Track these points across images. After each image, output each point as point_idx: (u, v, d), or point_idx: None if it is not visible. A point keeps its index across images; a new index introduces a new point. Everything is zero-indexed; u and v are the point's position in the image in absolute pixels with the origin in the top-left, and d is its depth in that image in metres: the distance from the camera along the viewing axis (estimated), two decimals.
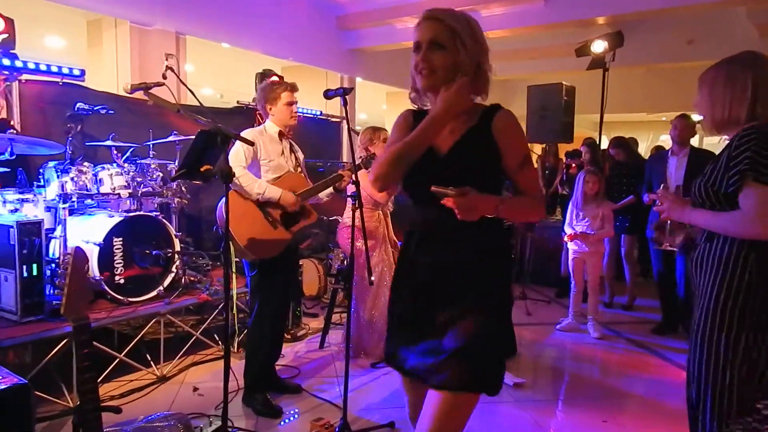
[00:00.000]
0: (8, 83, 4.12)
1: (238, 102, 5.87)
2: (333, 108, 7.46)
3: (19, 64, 3.95)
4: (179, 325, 3.44)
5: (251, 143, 2.56)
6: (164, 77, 4.20)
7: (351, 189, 3.42)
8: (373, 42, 7.67)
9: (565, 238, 4.39)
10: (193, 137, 3.96)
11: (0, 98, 4.10)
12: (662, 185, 2.02)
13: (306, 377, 3.33)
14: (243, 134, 2.71)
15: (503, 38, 7.49)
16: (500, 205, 1.42)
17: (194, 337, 3.45)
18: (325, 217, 4.89)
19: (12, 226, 2.81)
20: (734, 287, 1.54)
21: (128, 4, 5.15)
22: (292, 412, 2.87)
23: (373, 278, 3.34)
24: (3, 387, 1.60)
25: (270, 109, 2.89)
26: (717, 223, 1.61)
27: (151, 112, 4.64)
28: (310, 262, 4.89)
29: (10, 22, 3.92)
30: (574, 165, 5.93)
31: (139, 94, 2.91)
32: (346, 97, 2.76)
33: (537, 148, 7.08)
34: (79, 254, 1.68)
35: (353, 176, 2.77)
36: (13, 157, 3.06)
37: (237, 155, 2.71)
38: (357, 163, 3.19)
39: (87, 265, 1.65)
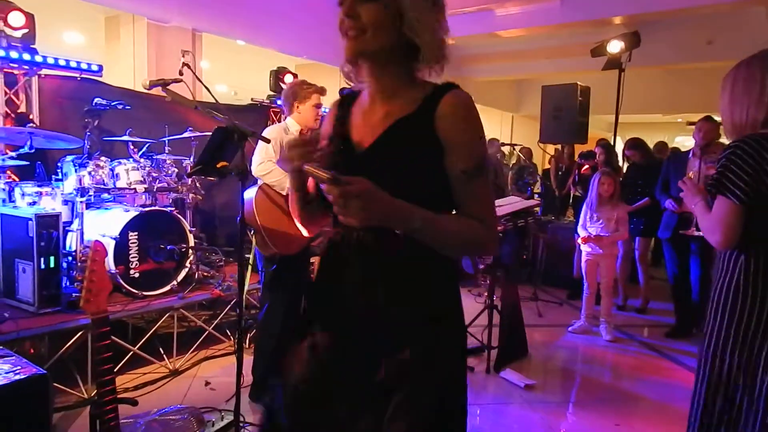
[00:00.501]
0: (27, 78, 4.18)
1: (252, 99, 5.91)
2: None
3: (38, 59, 4.00)
4: (192, 320, 3.47)
5: (267, 141, 2.55)
6: (181, 74, 4.24)
7: None
8: None
9: (579, 241, 4.36)
10: (210, 133, 4.00)
11: (20, 92, 4.17)
12: (691, 172, 2.03)
13: None
14: (267, 131, 2.77)
15: (518, 38, 7.45)
16: (416, 217, 0.98)
17: (207, 332, 3.48)
18: None
19: (31, 219, 2.86)
20: (725, 288, 1.58)
21: (145, 1, 5.20)
22: None
23: None
24: (22, 377, 1.63)
25: (297, 107, 2.90)
26: (701, 221, 1.69)
27: (167, 108, 4.68)
28: None
29: (30, 18, 3.98)
30: (587, 166, 5.88)
31: (156, 90, 2.94)
32: None
33: (550, 149, 7.04)
34: (99, 248, 1.70)
35: None
36: (32, 150, 3.10)
37: (267, 150, 2.72)
38: None
39: (105, 259, 1.67)
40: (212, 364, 3.41)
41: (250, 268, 2.85)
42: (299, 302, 3.86)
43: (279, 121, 5.86)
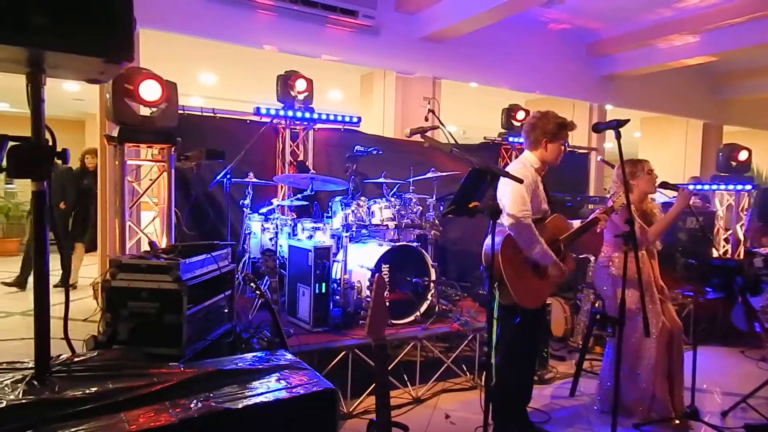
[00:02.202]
0: (305, 132, 5.09)
1: (484, 138, 6.08)
2: (579, 139, 7.11)
3: (315, 116, 4.84)
4: (431, 351, 3.64)
5: (520, 180, 2.49)
6: (426, 119, 4.60)
7: (609, 227, 3.18)
8: (629, 66, 7.09)
9: None
10: (451, 173, 4.21)
11: (299, 144, 5.09)
12: None
13: (557, 425, 3.14)
14: (512, 170, 2.71)
15: None
16: None
17: (445, 365, 3.60)
18: (572, 255, 4.62)
19: (310, 250, 3.41)
20: None
21: (397, 58, 5.88)
22: None
23: (651, 330, 3.01)
24: (318, 389, 1.91)
25: (545, 143, 2.77)
26: None
27: (411, 150, 5.15)
28: (556, 301, 4.67)
29: (309, 83, 4.86)
30: None
31: (400, 135, 3.25)
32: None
33: None
34: (380, 282, 1.92)
35: (627, 214, 2.58)
36: (313, 193, 3.73)
37: (522, 199, 2.62)
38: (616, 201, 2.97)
39: (386, 291, 1.87)
40: (451, 397, 3.49)
41: (496, 321, 2.81)
42: (541, 345, 3.74)
43: (510, 159, 5.90)
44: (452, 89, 7.11)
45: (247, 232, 4.08)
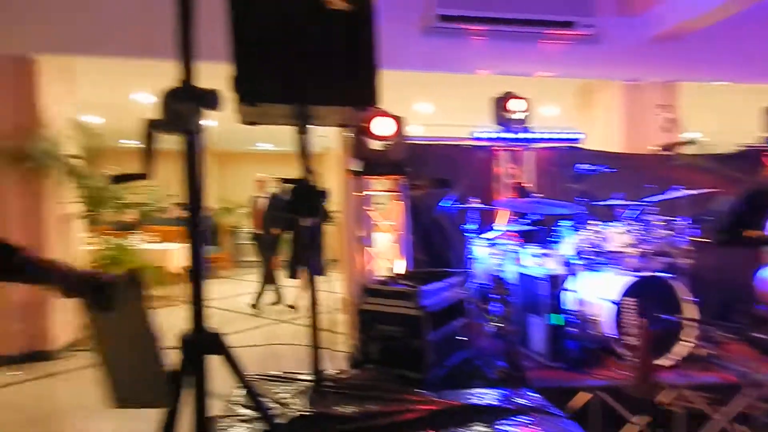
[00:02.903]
0: (523, 152, 4.92)
1: (739, 145, 5.06)
2: None
3: (532, 135, 4.65)
4: (690, 401, 3.06)
5: None
6: (666, 129, 4.02)
7: None
8: None
9: None
10: (702, 190, 3.56)
11: (518, 165, 4.93)
12: None
13: None
14: None
15: None
16: None
17: (717, 422, 2.98)
18: None
19: (544, 278, 3.20)
20: None
21: (623, 64, 5.33)
22: None
23: None
24: None
25: None
26: None
27: (646, 166, 4.56)
28: None
29: (526, 102, 4.69)
30: None
31: (631, 149, 2.81)
32: None
33: None
34: (646, 331, 1.66)
35: None
36: (543, 218, 3.53)
37: None
38: None
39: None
40: None
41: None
42: None
43: None
44: (689, 91, 6.17)
45: (471, 257, 4.06)
